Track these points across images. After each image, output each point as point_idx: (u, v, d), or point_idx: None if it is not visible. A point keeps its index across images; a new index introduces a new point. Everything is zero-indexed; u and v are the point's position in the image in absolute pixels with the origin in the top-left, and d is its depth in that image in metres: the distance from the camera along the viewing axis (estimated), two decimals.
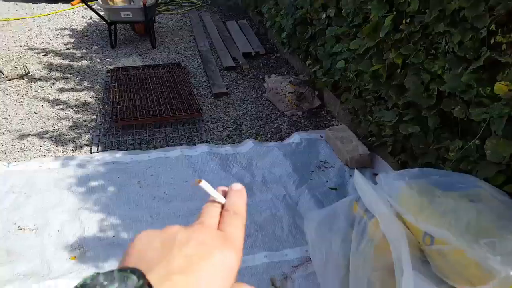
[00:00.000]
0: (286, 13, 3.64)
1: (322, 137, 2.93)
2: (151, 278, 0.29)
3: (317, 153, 2.78)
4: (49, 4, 5.72)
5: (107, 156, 2.68)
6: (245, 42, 4.72)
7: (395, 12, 2.01)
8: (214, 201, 0.41)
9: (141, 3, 4.23)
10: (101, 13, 4.35)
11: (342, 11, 2.62)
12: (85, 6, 4.72)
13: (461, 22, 1.72)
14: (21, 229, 2.11)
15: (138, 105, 3.21)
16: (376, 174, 2.52)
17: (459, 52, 1.72)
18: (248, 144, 2.85)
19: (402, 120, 2.13)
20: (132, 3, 4.80)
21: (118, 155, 2.70)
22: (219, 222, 0.38)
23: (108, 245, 2.05)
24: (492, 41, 1.60)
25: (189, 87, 3.58)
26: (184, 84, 3.64)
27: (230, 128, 3.15)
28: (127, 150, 2.79)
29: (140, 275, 0.29)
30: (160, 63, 4.19)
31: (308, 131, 3.03)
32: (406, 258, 1.20)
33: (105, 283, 0.28)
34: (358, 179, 1.55)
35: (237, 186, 0.43)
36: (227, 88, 3.74)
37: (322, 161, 2.71)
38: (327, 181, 2.51)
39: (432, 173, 1.57)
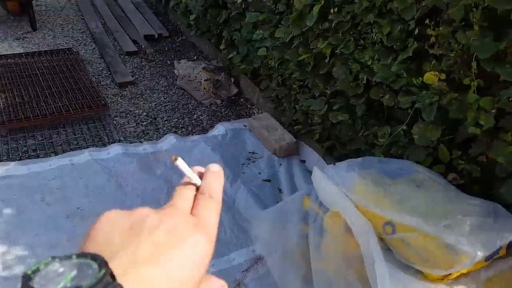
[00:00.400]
0: None
1: (245, 126, 2.87)
2: (114, 266, 0.26)
3: (244, 144, 2.72)
4: None
5: None
6: (144, 22, 4.34)
7: (323, 1, 2.01)
8: (188, 182, 0.38)
9: None
10: None
11: None
12: None
13: (389, 13, 1.80)
14: None
15: (27, 102, 2.71)
16: (303, 161, 2.61)
17: (387, 42, 1.80)
18: (170, 140, 2.64)
19: (331, 109, 2.19)
20: None
21: (10, 166, 2.25)
22: (193, 206, 0.36)
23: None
24: (416, 32, 1.71)
25: (87, 77, 3.16)
26: (80, 73, 3.20)
27: (144, 123, 2.87)
28: (20, 159, 2.33)
29: (102, 262, 0.26)
30: (46, 49, 3.61)
31: (231, 121, 2.94)
32: (376, 248, 1.23)
33: (61, 270, 0.25)
34: (317, 174, 1.53)
35: (215, 168, 0.41)
36: (132, 76, 3.40)
37: (250, 152, 2.66)
38: (259, 173, 2.48)
39: (375, 161, 1.65)
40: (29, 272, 0.25)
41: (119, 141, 2.62)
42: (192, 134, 2.82)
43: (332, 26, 2.02)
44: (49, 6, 4.59)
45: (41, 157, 2.37)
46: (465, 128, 1.57)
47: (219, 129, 2.80)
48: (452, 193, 1.43)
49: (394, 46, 1.79)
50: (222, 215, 2.03)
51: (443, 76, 1.55)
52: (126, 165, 2.39)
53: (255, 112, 3.15)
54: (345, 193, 1.45)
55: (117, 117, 2.88)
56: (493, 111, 1.42)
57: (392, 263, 1.26)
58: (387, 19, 1.77)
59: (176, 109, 3.08)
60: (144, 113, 2.97)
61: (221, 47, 3.33)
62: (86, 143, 2.56)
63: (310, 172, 2.48)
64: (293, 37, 2.27)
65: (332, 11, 2.00)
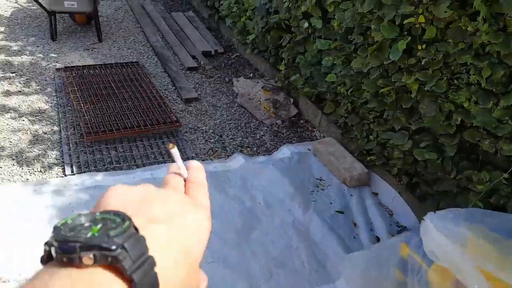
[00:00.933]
0: (256, 15, 3.55)
1: (310, 150, 2.89)
2: (134, 222, 0.28)
3: (310, 169, 2.69)
4: None
5: (86, 179, 2.34)
6: (200, 38, 4.49)
7: (409, 38, 2.01)
8: (176, 173, 0.41)
9: None
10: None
11: (334, 24, 2.63)
12: None
13: (486, 55, 1.74)
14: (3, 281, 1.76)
15: (107, 114, 2.84)
16: (375, 193, 2.56)
17: (487, 86, 1.75)
18: (238, 160, 2.71)
19: (415, 145, 2.14)
20: None
21: (99, 177, 2.37)
22: (185, 191, 0.39)
23: None
24: None
25: (157, 92, 3.28)
26: (150, 88, 3.33)
27: (212, 140, 2.99)
28: (106, 170, 2.47)
29: (125, 216, 0.28)
30: (113, 60, 3.78)
31: (295, 143, 3.02)
32: None
33: (87, 224, 0.27)
34: (428, 224, 1.47)
35: (196, 164, 0.43)
36: (195, 92, 3.55)
37: (317, 179, 2.63)
38: (330, 203, 2.44)
39: (479, 214, 1.55)
40: (58, 224, 0.27)
41: (192, 157, 2.75)
42: (258, 155, 2.91)
43: (421, 62, 1.99)
44: (109, 17, 4.79)
45: (125, 169, 2.49)
46: None
47: (285, 152, 2.84)
48: None
49: (494, 90, 1.74)
50: (298, 245, 2.01)
51: None
52: None
53: (316, 135, 3.23)
54: (459, 248, 1.38)
55: (187, 133, 3.00)
56: None
57: None
58: (485, 61, 1.73)
59: (239, 127, 3.19)
60: (211, 130, 3.09)
61: (281, 67, 3.44)
62: (163, 158, 2.69)
63: (384, 206, 2.48)
64: (371, 68, 2.35)
65: (419, 47, 2.01)
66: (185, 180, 0.41)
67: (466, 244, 1.38)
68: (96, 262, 0.25)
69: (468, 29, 1.76)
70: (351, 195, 2.54)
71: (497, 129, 1.79)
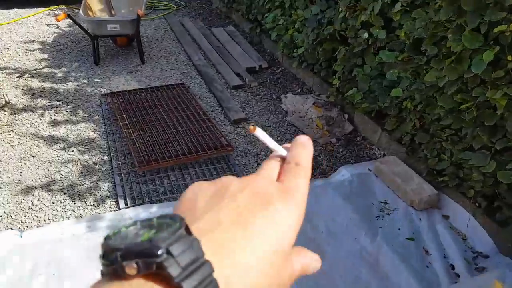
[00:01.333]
0: (306, 27, 3.38)
1: (370, 170, 2.71)
2: (197, 228, 0.27)
3: (373, 192, 2.49)
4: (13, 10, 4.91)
5: (141, 212, 2.24)
6: (243, 53, 4.38)
7: (497, 47, 1.80)
8: (275, 156, 0.37)
9: (133, 14, 3.73)
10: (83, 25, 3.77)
11: (401, 34, 2.42)
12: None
13: None
14: None
15: (157, 141, 2.75)
16: (446, 216, 2.34)
17: None
18: None
19: (498, 166, 1.93)
20: (112, 12, 4.25)
21: (154, 209, 2.27)
22: (279, 175, 0.35)
23: None
24: None
25: (205, 115, 3.17)
26: (198, 110, 3.23)
27: None
28: (160, 201, 2.35)
29: (178, 218, 0.26)
30: (158, 83, 3.72)
31: (354, 164, 2.81)
32: None
33: (142, 231, 0.25)
34: None
35: (301, 138, 0.39)
36: (242, 112, 3.41)
37: (381, 202, 2.43)
38: (399, 229, 2.24)
39: None
40: (110, 233, 0.25)
41: None
42: (313, 177, 2.73)
43: (505, 74, 1.78)
44: (150, 37, 4.79)
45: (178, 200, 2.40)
46: None
47: (343, 174, 2.65)
48: None
49: None
50: (367, 278, 1.79)
51: None
52: None
53: (376, 153, 3.00)
54: None
55: (238, 156, 2.86)
56: None
57: None
58: None
59: None
60: (262, 152, 2.93)
61: (334, 81, 3.24)
62: None
63: (456, 230, 2.26)
64: (447, 82, 2.12)
65: (510, 58, 1.78)
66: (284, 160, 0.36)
67: None
68: (140, 271, 0.23)
69: None
70: (420, 219, 2.34)
71: None
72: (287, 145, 0.38)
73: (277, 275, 0.29)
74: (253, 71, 4.08)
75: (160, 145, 2.69)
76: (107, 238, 0.25)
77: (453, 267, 2.07)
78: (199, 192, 0.32)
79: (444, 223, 2.30)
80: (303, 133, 3.15)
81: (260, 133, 0.36)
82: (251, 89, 3.78)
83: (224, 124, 3.20)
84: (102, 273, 0.25)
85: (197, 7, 5.66)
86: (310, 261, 0.34)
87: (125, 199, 2.32)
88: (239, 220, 0.29)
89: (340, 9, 2.91)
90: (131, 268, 0.23)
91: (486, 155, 2.02)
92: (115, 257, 0.24)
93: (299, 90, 3.79)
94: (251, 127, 0.36)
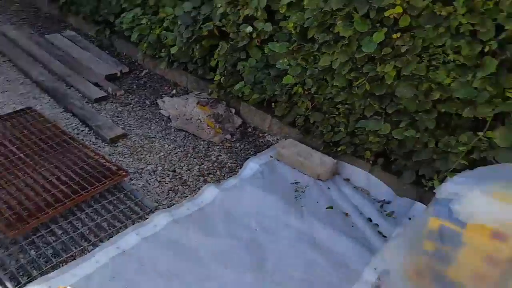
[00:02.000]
0: (179, 25, 3.12)
1: (272, 156, 2.72)
2: None
3: (283, 176, 2.56)
4: None
5: None
6: (95, 60, 3.84)
7: (385, 28, 2.01)
8: None
9: None
10: None
11: (289, 25, 2.44)
12: None
13: (458, 35, 1.85)
14: None
15: (23, 191, 2.16)
16: (347, 179, 2.61)
17: (465, 61, 1.86)
18: (209, 191, 2.35)
19: (393, 127, 2.22)
20: None
21: (54, 281, 1.76)
22: None
23: None
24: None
25: (75, 140, 2.66)
26: (61, 137, 2.67)
27: (167, 179, 2.53)
28: (56, 267, 1.84)
29: None
30: None
31: (257, 155, 2.75)
32: None
33: None
34: (458, 189, 1.62)
35: None
36: (118, 127, 2.99)
37: (293, 183, 2.52)
38: (317, 202, 2.38)
39: (484, 171, 1.76)
40: None
41: (157, 208, 2.28)
42: (223, 177, 2.59)
43: (397, 50, 2.02)
44: None
45: (78, 256, 1.92)
46: None
47: (252, 167, 2.59)
48: None
49: (469, 64, 1.85)
50: (312, 254, 1.95)
51: None
52: (184, 232, 2.08)
53: (270, 140, 3.01)
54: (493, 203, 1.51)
55: (132, 179, 2.49)
56: None
57: None
58: (462, 40, 1.82)
59: (188, 154, 2.78)
60: (160, 168, 2.61)
61: (216, 77, 3.10)
62: (119, 221, 2.16)
63: (360, 188, 2.55)
64: (340, 63, 2.22)
65: (395, 36, 2.00)
66: None
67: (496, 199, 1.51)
68: None
69: (442, 13, 1.83)
70: (329, 188, 2.54)
71: (477, 97, 1.86)
72: None
73: None
74: (114, 78, 3.65)
75: (29, 195, 2.14)
76: None
77: (370, 220, 2.32)
78: None
79: (348, 186, 2.56)
80: (195, 137, 2.95)
81: None
82: (117, 99, 3.37)
83: (99, 147, 2.76)
84: None
85: (18, 12, 4.72)
86: None
87: (11, 281, 1.76)
88: None
89: (219, 5, 2.79)
90: None
91: (379, 120, 2.23)
92: None
93: (173, 91, 3.54)
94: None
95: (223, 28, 2.91)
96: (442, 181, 2.04)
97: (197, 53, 3.12)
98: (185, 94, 3.43)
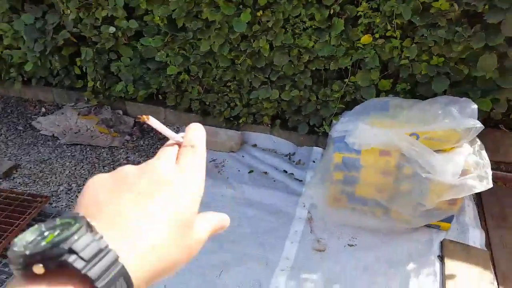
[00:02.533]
0: (27, 40, 2.89)
1: None
2: (101, 221, 0.29)
3: None
4: None
5: None
6: None
7: (248, 8, 2.34)
8: (171, 142, 0.41)
9: None
10: None
11: (155, 19, 2.59)
12: None
13: (308, 4, 2.32)
14: None
15: None
16: (254, 145, 3.01)
17: (319, 24, 2.37)
18: None
19: (281, 91, 2.66)
20: None
21: None
22: (177, 158, 0.38)
23: None
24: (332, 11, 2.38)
25: None
26: None
27: None
28: None
29: (78, 217, 0.28)
30: None
31: None
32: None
33: (46, 233, 0.27)
34: (347, 125, 2.14)
35: (194, 125, 0.43)
36: (9, 160, 2.72)
37: (211, 161, 2.80)
38: (239, 170, 2.73)
39: (358, 108, 2.31)
40: (16, 240, 0.27)
41: None
42: None
43: (265, 25, 2.40)
44: None
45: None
46: (393, 64, 2.42)
47: None
48: (418, 103, 2.25)
49: (322, 27, 2.38)
50: (268, 225, 2.34)
51: (378, 35, 2.32)
52: None
53: (171, 129, 3.17)
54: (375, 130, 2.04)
55: (52, 203, 2.38)
56: (413, 45, 2.30)
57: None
58: (312, 8, 2.31)
59: (96, 164, 2.75)
60: (74, 185, 2.54)
61: (89, 84, 3.04)
62: None
63: (267, 150, 2.96)
64: (219, 46, 2.51)
65: (259, 14, 2.37)
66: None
67: (374, 126, 2.05)
68: (48, 272, 0.26)
69: None
70: (243, 156, 2.90)
71: (337, 52, 2.41)
72: (181, 134, 0.42)
73: (183, 244, 0.33)
74: None
75: None
76: (13, 245, 0.27)
77: (286, 171, 2.76)
78: (99, 186, 0.33)
79: (257, 150, 2.96)
80: (92, 147, 2.93)
81: (154, 122, 0.38)
82: None
83: None
84: (16, 278, 0.26)
85: None
86: (217, 221, 0.39)
87: None
88: (140, 206, 0.31)
89: (68, 12, 2.71)
90: (38, 268, 0.25)
91: (267, 88, 2.67)
92: (22, 262, 0.26)
93: (42, 109, 3.33)
94: (143, 117, 0.38)
95: (82, 34, 2.86)
96: (329, 125, 2.60)
97: (57, 65, 3.00)
98: (59, 109, 3.27)
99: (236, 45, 2.56)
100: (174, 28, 2.63)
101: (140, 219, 0.30)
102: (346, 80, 2.53)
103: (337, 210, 2.26)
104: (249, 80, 2.70)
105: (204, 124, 2.58)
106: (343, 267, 2.00)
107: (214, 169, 2.75)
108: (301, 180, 2.64)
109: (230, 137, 2.89)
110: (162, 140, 3.08)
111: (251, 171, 2.73)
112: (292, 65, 2.56)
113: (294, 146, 2.94)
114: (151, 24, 2.70)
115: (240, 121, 2.89)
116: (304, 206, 2.42)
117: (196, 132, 0.42)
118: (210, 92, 2.87)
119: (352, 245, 2.13)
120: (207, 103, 2.92)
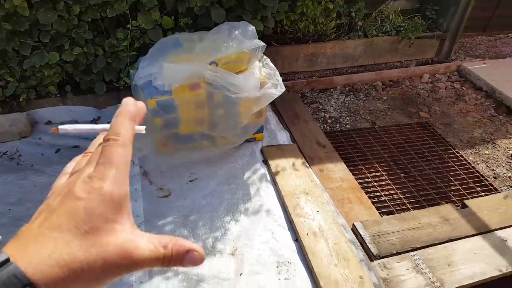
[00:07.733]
0: None
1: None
2: (16, 239, 0.32)
3: None
4: None
5: None
6: None
7: None
8: (97, 141, 0.41)
9: None
10: None
11: None
12: None
13: None
14: None
15: None
16: (50, 122, 2.74)
17: None
18: None
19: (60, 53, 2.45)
20: None
21: None
22: (101, 153, 0.37)
23: None
24: None
25: None
26: None
27: None
28: None
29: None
30: None
31: None
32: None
33: None
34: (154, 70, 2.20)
35: (119, 109, 0.40)
36: None
37: (1, 155, 2.42)
38: (42, 154, 2.49)
39: (155, 51, 2.35)
40: None
41: None
42: None
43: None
44: None
45: None
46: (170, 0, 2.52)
47: None
48: (206, 34, 2.45)
49: None
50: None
51: None
52: None
53: None
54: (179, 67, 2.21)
55: None
56: None
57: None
58: None
59: None
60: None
61: None
62: None
63: (66, 123, 2.68)
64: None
65: None
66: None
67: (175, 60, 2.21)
68: None
69: None
70: (40, 138, 2.65)
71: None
72: (105, 125, 0.42)
73: (88, 248, 0.33)
74: None
75: None
76: None
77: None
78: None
79: (52, 126, 2.55)
80: None
81: (66, 128, 0.39)
82: None
83: None
84: None
85: None
86: (175, 245, 0.36)
87: None
88: (46, 221, 0.34)
89: None
90: None
91: (42, 52, 2.46)
92: None
93: None
94: (53, 129, 0.38)
95: None
96: (127, 76, 2.56)
97: None
98: None
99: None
100: None
101: (40, 230, 0.32)
102: (129, 25, 2.54)
103: (168, 154, 2.39)
104: (15, 49, 2.35)
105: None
106: (192, 200, 2.19)
107: (9, 162, 2.39)
108: None
109: (15, 121, 2.55)
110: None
111: (58, 150, 2.52)
112: (64, 20, 2.39)
113: (96, 109, 2.85)
114: None
115: (21, 99, 2.58)
116: (134, 163, 2.42)
117: (116, 119, 0.39)
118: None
119: (193, 180, 2.33)
120: None
